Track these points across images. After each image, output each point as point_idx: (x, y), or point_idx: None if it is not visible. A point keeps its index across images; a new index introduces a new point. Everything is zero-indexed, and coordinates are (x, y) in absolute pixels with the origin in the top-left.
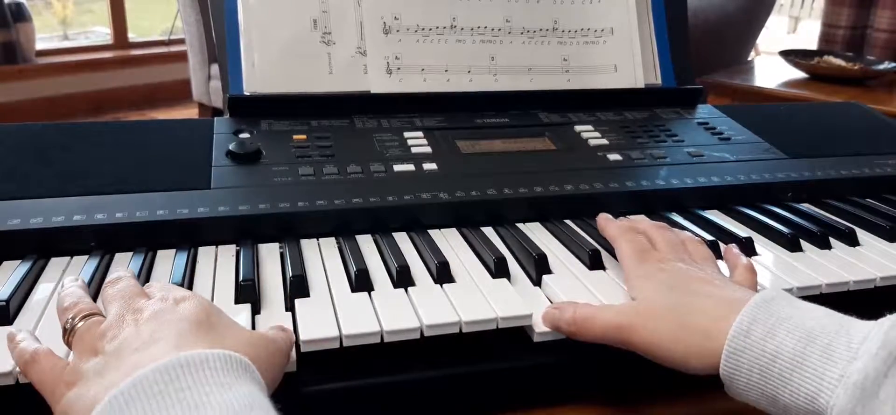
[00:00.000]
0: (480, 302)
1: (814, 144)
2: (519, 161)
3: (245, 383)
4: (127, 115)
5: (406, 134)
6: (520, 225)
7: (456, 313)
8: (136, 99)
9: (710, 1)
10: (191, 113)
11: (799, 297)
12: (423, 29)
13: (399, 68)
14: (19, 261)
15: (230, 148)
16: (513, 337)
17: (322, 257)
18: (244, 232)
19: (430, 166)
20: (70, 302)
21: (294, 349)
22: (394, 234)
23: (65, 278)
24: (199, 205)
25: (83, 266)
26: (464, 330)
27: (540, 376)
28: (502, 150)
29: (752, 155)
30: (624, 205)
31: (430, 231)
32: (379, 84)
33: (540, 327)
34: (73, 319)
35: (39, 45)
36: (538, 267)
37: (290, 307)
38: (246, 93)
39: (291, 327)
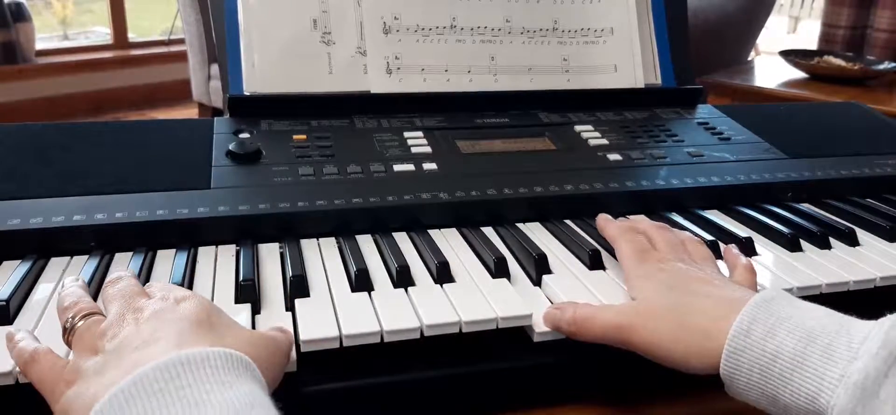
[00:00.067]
0: (480, 302)
1: (814, 144)
2: (519, 161)
3: (246, 382)
4: (127, 115)
5: (406, 134)
6: (520, 225)
7: (456, 312)
8: (136, 99)
9: (710, 1)
10: (191, 113)
11: (799, 297)
12: (422, 29)
13: (399, 68)
14: (19, 261)
15: (230, 148)
16: (513, 337)
17: (322, 257)
18: (244, 232)
19: (430, 166)
20: (70, 301)
21: (294, 349)
22: (394, 234)
23: (65, 278)
24: (199, 205)
25: (83, 266)
26: (464, 330)
27: (540, 376)
28: (502, 150)
29: (752, 155)
30: (624, 205)
31: (430, 231)
32: (379, 84)
33: (540, 327)
34: (73, 318)
35: (39, 45)
36: (538, 267)
37: (290, 307)
38: (246, 93)
39: (291, 327)
